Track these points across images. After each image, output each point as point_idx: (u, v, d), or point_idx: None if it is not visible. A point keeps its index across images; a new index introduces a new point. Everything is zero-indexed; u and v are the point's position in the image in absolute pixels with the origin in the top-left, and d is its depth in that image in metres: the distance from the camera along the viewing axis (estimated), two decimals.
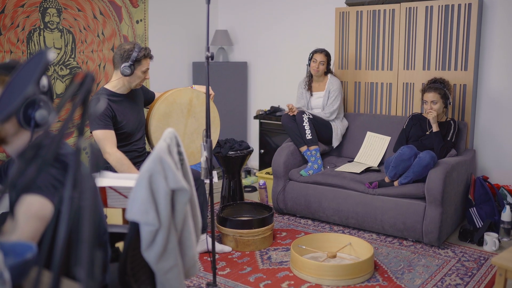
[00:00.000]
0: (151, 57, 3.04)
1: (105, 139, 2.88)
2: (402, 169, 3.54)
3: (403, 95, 4.31)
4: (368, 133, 4.29)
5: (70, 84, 1.05)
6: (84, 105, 1.06)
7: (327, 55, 4.28)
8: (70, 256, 1.26)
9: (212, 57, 2.40)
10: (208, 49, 2.41)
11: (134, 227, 1.52)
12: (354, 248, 3.26)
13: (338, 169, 4.02)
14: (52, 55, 0.94)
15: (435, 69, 4.11)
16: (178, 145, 1.76)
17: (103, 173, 2.30)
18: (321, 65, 4.24)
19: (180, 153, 1.75)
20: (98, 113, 2.79)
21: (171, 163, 1.53)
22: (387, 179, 3.65)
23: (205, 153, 2.44)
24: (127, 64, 2.92)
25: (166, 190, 1.48)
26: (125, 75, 2.95)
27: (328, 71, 4.35)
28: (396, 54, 4.30)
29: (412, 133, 3.88)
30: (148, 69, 3.03)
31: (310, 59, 4.30)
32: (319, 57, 4.24)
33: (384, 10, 4.31)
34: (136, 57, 2.93)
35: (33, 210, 1.39)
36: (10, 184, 0.76)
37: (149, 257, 1.49)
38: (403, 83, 4.29)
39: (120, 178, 2.58)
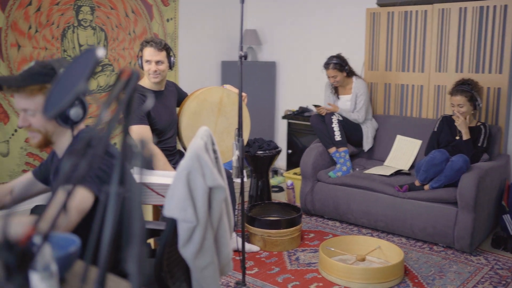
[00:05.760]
0: (151, 45, 2.95)
1: (142, 134, 2.91)
2: (433, 173, 3.48)
3: (434, 98, 4.23)
4: (398, 136, 4.22)
5: (117, 81, 1.06)
6: (130, 102, 1.07)
7: (337, 65, 4.09)
8: (115, 251, 1.27)
9: (245, 57, 2.40)
10: (241, 49, 2.41)
11: (171, 224, 1.53)
12: (384, 252, 3.22)
13: (367, 171, 3.97)
14: (101, 52, 0.95)
15: (468, 72, 4.03)
16: (212, 143, 1.76)
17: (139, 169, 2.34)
18: (335, 79, 4.14)
19: (214, 151, 1.76)
20: (146, 110, 2.84)
21: (209, 161, 1.53)
22: (417, 183, 3.59)
23: (237, 152, 2.44)
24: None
25: (204, 187, 1.48)
26: (142, 69, 3.02)
27: (350, 73, 4.22)
28: (428, 56, 4.23)
29: (442, 138, 3.79)
30: (151, 60, 2.94)
31: None
32: (329, 73, 4.14)
33: (416, 11, 4.24)
34: (140, 49, 2.99)
35: (74, 203, 1.40)
36: (64, 181, 0.77)
37: (186, 254, 1.49)
38: (435, 85, 4.22)
39: (152, 175, 2.60)
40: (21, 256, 0.63)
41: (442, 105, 4.19)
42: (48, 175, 1.74)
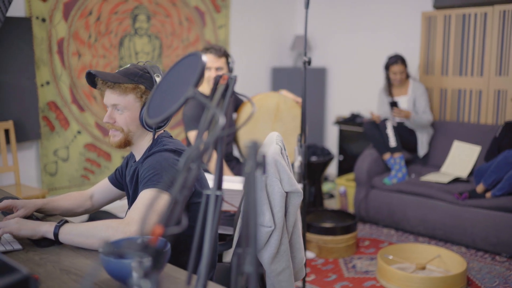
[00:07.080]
0: (211, 52, 2.97)
1: None
2: (504, 173, 3.35)
3: (494, 103, 4.11)
4: (456, 142, 4.12)
5: (216, 86, 1.08)
6: (228, 107, 1.09)
7: (403, 61, 4.11)
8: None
9: (309, 62, 2.40)
10: (305, 54, 2.41)
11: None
12: (444, 261, 3.13)
13: (423, 178, 3.88)
14: (205, 57, 0.97)
15: None
16: (284, 149, 1.76)
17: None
18: (402, 75, 4.11)
19: (287, 157, 1.76)
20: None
21: (286, 165, 1.53)
22: (478, 189, 3.48)
23: (299, 158, 2.44)
24: None
25: (281, 192, 1.49)
26: None
27: (407, 74, 4.20)
28: (487, 60, 4.11)
29: (505, 144, 3.67)
30: (211, 67, 2.97)
31: (387, 69, 4.17)
32: (396, 68, 4.09)
33: (475, 14, 4.13)
34: None
35: (158, 207, 1.43)
36: (180, 190, 0.79)
37: (263, 258, 1.50)
38: (495, 90, 4.09)
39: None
40: (156, 256, 0.65)
41: (503, 110, 4.06)
42: (123, 180, 1.76)
